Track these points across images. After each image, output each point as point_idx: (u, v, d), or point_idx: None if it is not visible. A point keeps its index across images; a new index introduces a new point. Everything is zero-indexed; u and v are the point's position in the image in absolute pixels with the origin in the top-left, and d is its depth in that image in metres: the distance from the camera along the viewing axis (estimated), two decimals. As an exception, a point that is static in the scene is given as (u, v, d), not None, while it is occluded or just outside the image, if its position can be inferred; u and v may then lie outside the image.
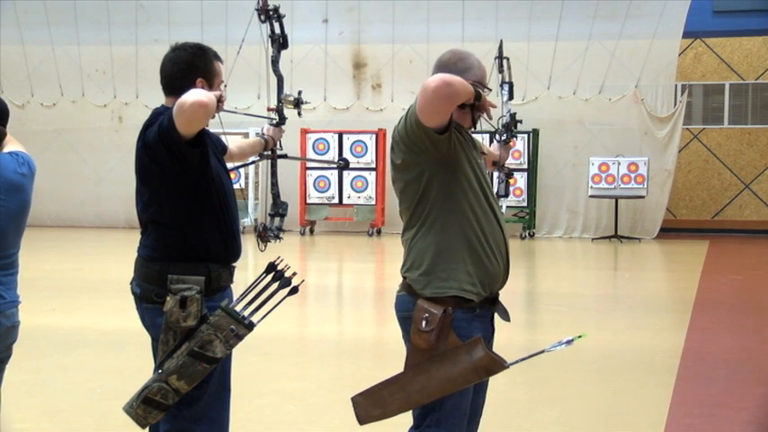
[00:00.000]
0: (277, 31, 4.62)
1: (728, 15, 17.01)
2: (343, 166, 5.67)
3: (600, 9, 15.95)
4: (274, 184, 5.29)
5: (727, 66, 17.19)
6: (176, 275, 3.34)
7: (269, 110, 4.28)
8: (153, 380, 3.30)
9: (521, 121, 4.45)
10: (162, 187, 3.41)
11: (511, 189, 6.00)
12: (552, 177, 16.39)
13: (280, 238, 4.76)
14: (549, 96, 16.29)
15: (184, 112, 3.20)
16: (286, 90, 4.85)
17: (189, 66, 3.48)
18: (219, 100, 3.40)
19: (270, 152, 4.55)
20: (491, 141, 4.22)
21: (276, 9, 4.68)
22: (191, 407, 3.40)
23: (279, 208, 4.88)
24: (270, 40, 4.57)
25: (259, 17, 4.61)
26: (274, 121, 4.75)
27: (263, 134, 4.54)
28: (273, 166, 4.96)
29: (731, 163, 17.25)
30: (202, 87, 3.45)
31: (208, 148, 3.42)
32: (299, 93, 4.94)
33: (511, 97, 4.48)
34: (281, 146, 4.63)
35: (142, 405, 3.28)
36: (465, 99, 3.13)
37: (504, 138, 4.14)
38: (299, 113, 5.00)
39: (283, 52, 4.85)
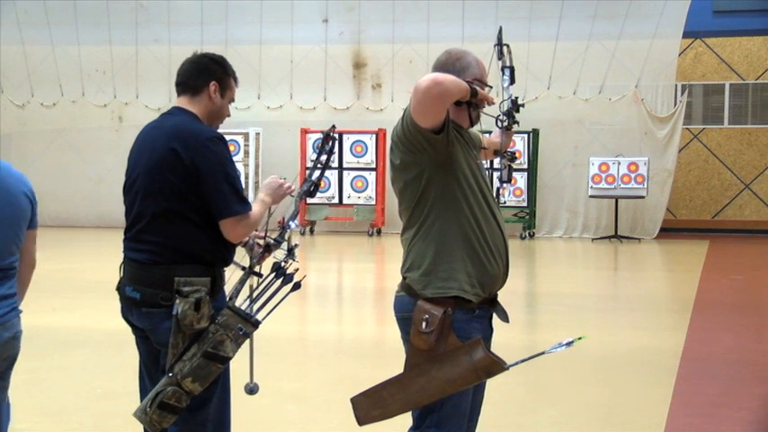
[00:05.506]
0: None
1: (728, 15, 17.00)
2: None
3: (600, 9, 15.94)
4: None
5: (727, 66, 17.18)
6: (183, 278, 3.32)
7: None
8: (165, 384, 3.28)
9: (523, 105, 4.36)
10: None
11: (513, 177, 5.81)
12: (552, 177, 16.38)
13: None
14: (549, 96, 16.28)
15: None
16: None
17: (207, 68, 3.54)
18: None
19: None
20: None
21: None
22: (202, 409, 3.39)
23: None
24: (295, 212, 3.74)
25: (324, 145, 3.83)
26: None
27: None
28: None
29: (731, 163, 17.24)
30: (215, 91, 3.51)
31: None
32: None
33: (512, 81, 4.40)
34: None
35: (157, 410, 3.26)
36: (458, 97, 3.12)
37: (505, 124, 4.10)
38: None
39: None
